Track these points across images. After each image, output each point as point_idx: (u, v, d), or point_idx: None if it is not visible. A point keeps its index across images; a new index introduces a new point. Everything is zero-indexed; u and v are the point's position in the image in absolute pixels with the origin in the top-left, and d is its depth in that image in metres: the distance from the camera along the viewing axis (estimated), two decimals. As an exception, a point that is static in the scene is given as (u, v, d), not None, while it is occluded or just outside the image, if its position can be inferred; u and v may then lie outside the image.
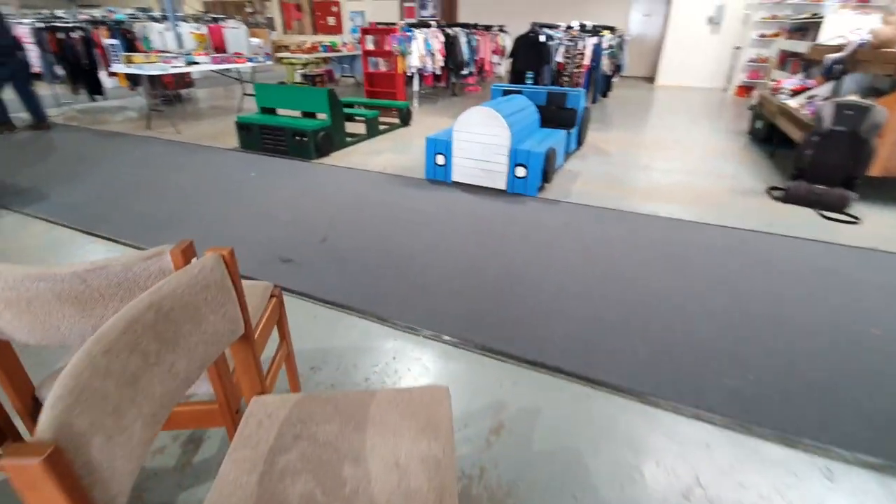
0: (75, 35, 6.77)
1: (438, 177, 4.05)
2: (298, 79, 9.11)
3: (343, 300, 2.30)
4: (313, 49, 9.40)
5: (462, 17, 13.27)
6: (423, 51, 7.14)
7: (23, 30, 6.85)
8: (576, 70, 6.76)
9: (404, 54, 7.06)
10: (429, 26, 7.56)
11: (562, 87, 6.72)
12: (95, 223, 3.21)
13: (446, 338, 2.05)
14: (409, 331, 2.11)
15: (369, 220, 3.27)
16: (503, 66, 9.65)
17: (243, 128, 4.98)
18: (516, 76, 6.54)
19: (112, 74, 6.81)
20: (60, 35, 6.76)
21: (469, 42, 8.35)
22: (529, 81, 6.37)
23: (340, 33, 14.98)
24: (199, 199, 3.66)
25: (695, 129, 6.31)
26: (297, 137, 4.67)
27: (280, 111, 5.34)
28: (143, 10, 14.23)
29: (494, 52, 9.56)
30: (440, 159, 3.97)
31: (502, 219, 3.30)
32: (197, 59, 6.13)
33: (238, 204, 3.56)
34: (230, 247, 0.99)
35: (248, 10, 16.89)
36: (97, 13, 9.59)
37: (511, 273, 2.57)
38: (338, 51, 9.75)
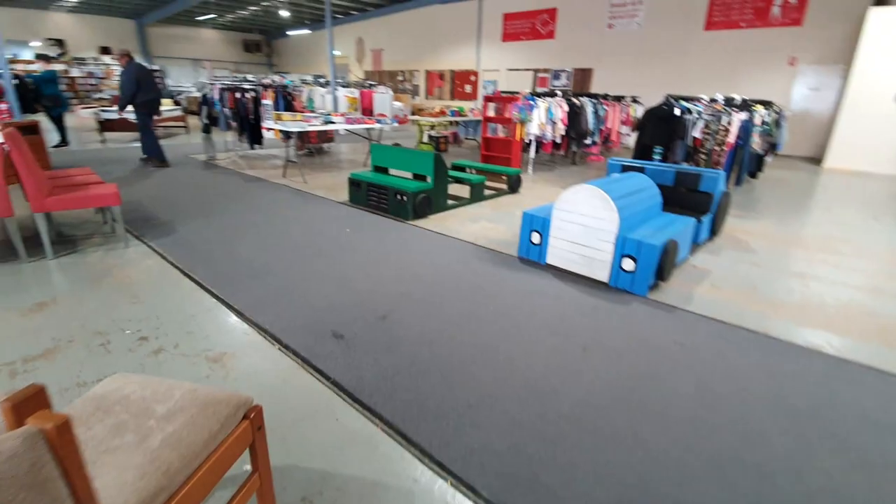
0: (248, 95, 7.84)
1: (531, 256, 3.55)
2: (426, 139, 9.44)
3: (373, 402, 1.89)
4: (441, 113, 9.75)
5: (596, 88, 12.91)
6: (543, 119, 6.85)
7: (214, 90, 8.17)
8: (716, 147, 5.84)
9: (524, 122, 6.84)
10: (554, 95, 7.30)
11: (697, 165, 5.84)
12: (194, 265, 3.31)
13: (485, 494, 1.50)
14: (440, 470, 1.60)
15: (439, 299, 2.87)
16: (632, 138, 8.95)
17: (354, 183, 5.07)
18: (642, 151, 5.86)
19: (267, 129, 7.68)
20: (237, 94, 7.89)
21: (596, 111, 7.88)
22: (657, 157, 5.63)
23: (475, 99, 15.61)
24: (293, 251, 3.64)
25: (877, 229, 4.90)
26: (398, 197, 4.57)
27: (392, 171, 5.37)
28: (319, 76, 16.53)
29: (624, 122, 8.93)
30: (535, 237, 3.48)
31: (596, 323, 2.66)
32: (334, 119, 6.60)
33: (323, 260, 3.46)
34: (64, 415, 0.64)
35: (399, 78, 18.63)
36: (276, 78, 11.22)
37: (587, 412, 1.93)
38: (464, 115, 9.99)
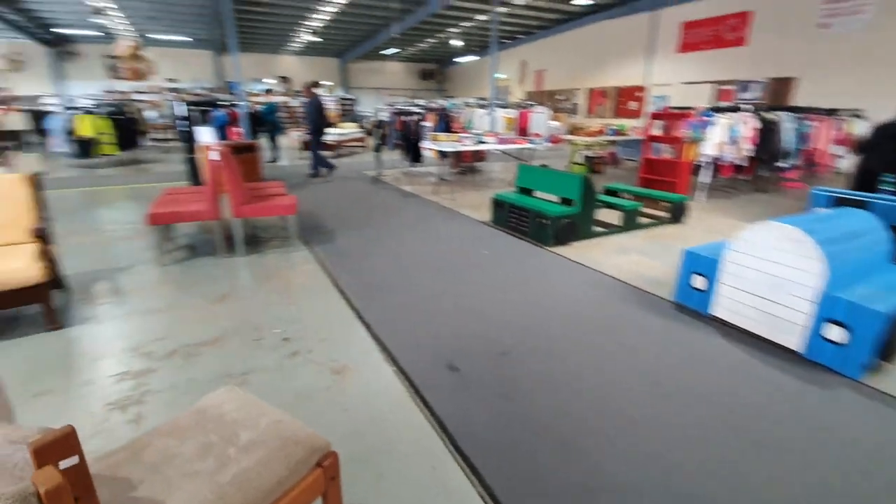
0: (413, 117, 8.42)
1: (691, 304, 2.93)
2: (579, 160, 8.93)
3: (475, 456, 1.67)
4: (599, 132, 9.10)
5: (799, 101, 10.65)
6: (724, 138, 5.81)
7: (386, 114, 9.00)
8: None
9: (697, 141, 5.90)
10: (738, 110, 6.15)
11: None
12: (342, 274, 3.55)
13: None
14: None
15: (571, 343, 2.52)
16: (851, 162, 7.06)
17: (497, 204, 4.96)
18: (865, 179, 4.48)
19: (425, 148, 8.13)
20: (404, 118, 8.54)
21: (799, 129, 6.42)
22: (888, 188, 4.24)
23: (638, 117, 14.33)
24: (430, 267, 3.67)
25: None
26: (539, 220, 4.29)
27: (537, 193, 5.12)
28: (482, 99, 17.20)
29: (838, 142, 7.11)
30: (699, 281, 2.85)
31: (779, 409, 2.01)
32: (486, 139, 6.63)
33: (456, 280, 3.39)
34: (60, 479, 0.58)
35: (559, 97, 18.20)
36: (442, 102, 11.93)
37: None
38: (624, 134, 9.15)
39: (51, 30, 16.98)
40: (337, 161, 10.87)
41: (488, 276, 3.52)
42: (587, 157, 8.85)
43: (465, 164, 8.95)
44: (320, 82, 24.21)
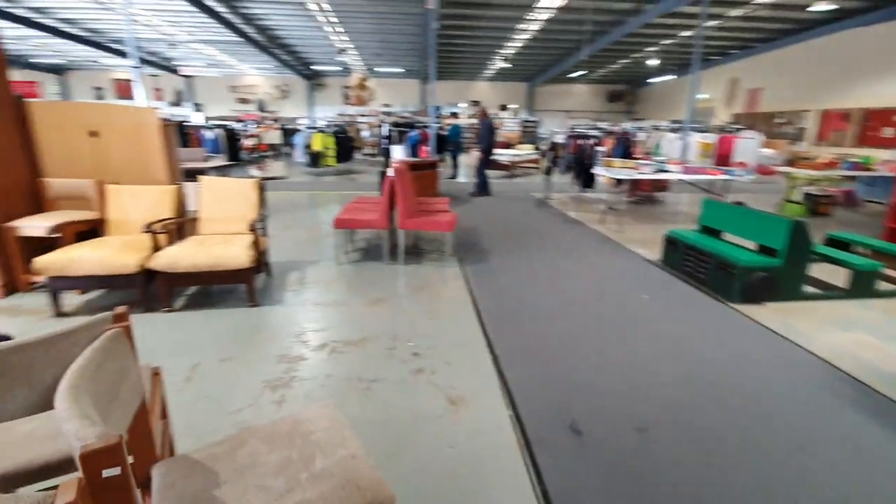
0: (589, 141, 7.98)
1: (956, 422, 1.97)
2: (797, 198, 7.18)
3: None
4: (831, 164, 7.14)
5: None
6: None
7: (560, 136, 8.76)
8: None
9: None
10: None
11: None
12: (484, 296, 3.50)
13: None
14: None
15: (745, 445, 1.94)
16: None
17: (671, 242, 4.27)
18: None
19: (597, 174, 7.60)
20: (580, 141, 8.16)
21: None
22: None
23: (899, 147, 10.88)
24: (576, 305, 3.35)
25: None
26: (724, 269, 3.52)
27: (726, 235, 4.24)
28: (676, 121, 15.46)
29: None
30: (975, 393, 1.90)
31: None
32: (668, 167, 5.84)
33: (602, 325, 3.00)
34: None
35: (778, 120, 15.10)
36: (628, 125, 11.09)
37: None
38: (869, 169, 6.99)
39: (310, 67, 21.51)
40: (508, 181, 11.04)
41: (645, 327, 3.02)
42: (809, 196, 7.06)
43: (643, 194, 8.07)
44: (507, 105, 25.17)
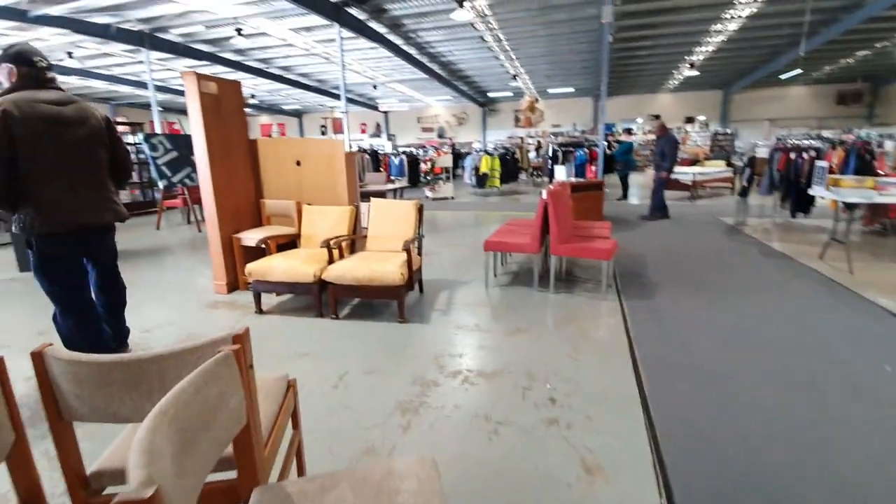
0: (806, 155, 6.31)
1: None
2: None
3: None
4: None
5: None
6: None
7: (764, 149, 7.17)
8: None
9: None
10: None
11: None
12: (644, 340, 2.96)
13: None
14: None
15: None
16: None
17: (942, 295, 2.97)
18: None
19: (816, 196, 5.91)
20: (791, 155, 6.52)
21: None
22: None
23: None
24: (769, 367, 2.55)
25: None
26: None
27: None
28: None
29: None
30: None
31: None
32: (939, 187, 4.16)
33: (809, 404, 2.20)
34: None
35: None
36: (869, 133, 8.52)
37: None
38: None
39: (485, 94, 22.65)
40: (689, 203, 9.54)
41: (882, 412, 2.10)
42: None
43: (888, 221, 5.97)
44: (694, 117, 22.11)
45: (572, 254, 3.89)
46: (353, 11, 10.37)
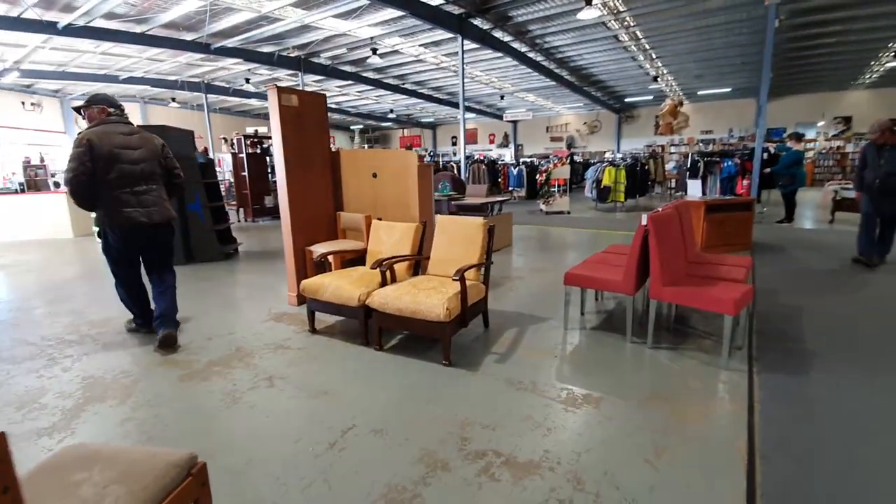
0: None
1: None
2: None
3: None
4: None
5: None
6: None
7: None
8: None
9: None
10: None
11: None
12: (769, 437, 1.91)
13: None
14: None
15: None
16: None
17: None
18: None
19: None
20: None
21: None
22: None
23: None
24: None
25: None
26: None
27: None
28: None
29: None
30: None
31: None
32: None
33: None
34: None
35: None
36: None
37: None
38: None
39: (621, 99, 20.57)
40: None
41: None
42: None
43: None
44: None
45: (681, 300, 2.88)
46: (477, 22, 10.11)
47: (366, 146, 28.23)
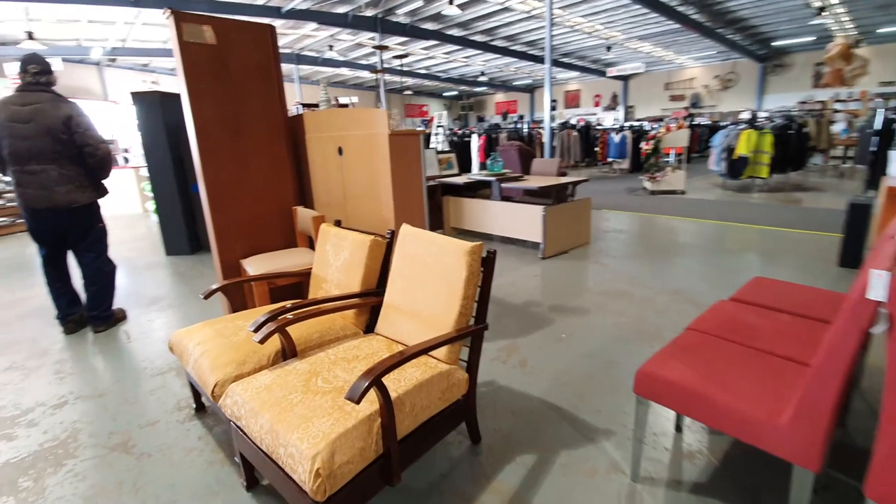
0: None
1: None
2: None
3: None
4: None
5: None
6: None
7: None
8: None
9: None
10: None
11: None
12: None
13: None
14: None
15: None
16: None
17: None
18: None
19: None
20: None
21: None
22: None
23: None
24: None
25: None
26: None
27: None
28: None
29: None
30: None
31: None
32: None
33: None
34: None
35: None
36: None
37: None
38: None
39: (768, 43, 15.65)
40: None
41: None
42: None
43: None
44: None
45: None
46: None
47: (446, 113, 26.36)
